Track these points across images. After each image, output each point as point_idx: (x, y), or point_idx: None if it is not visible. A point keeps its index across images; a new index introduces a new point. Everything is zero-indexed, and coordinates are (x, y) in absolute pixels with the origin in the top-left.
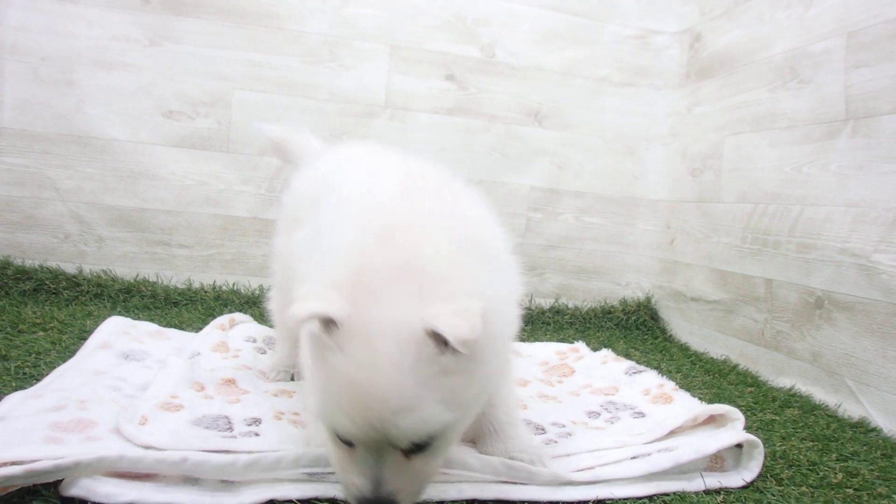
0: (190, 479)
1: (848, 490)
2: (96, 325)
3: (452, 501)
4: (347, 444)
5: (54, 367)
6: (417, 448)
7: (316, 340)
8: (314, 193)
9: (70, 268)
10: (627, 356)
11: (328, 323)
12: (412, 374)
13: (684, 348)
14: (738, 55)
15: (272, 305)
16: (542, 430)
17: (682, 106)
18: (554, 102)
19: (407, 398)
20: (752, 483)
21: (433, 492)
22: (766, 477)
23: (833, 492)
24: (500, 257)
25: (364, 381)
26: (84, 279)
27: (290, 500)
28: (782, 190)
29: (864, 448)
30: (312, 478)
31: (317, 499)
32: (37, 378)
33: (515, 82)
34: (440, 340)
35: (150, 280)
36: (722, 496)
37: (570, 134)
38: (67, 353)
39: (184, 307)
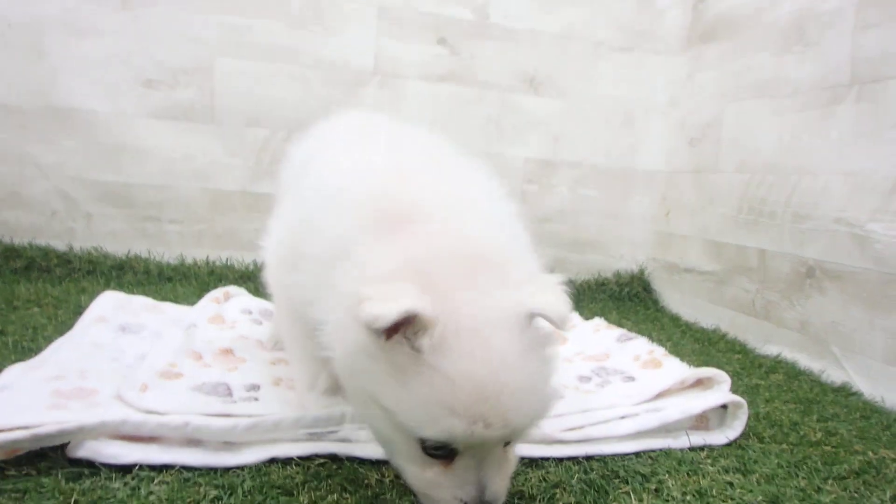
0: (193, 441)
1: (826, 447)
2: (90, 300)
3: None
4: (444, 456)
5: (52, 341)
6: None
7: (380, 349)
8: (301, 162)
9: (60, 245)
10: (619, 326)
11: (402, 324)
12: (529, 361)
13: (675, 319)
14: (743, 17)
15: (268, 275)
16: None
17: (682, 73)
18: (550, 69)
19: (532, 386)
20: (735, 441)
21: None
22: (749, 436)
23: (812, 449)
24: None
25: (491, 378)
26: (75, 256)
27: (291, 458)
28: (781, 159)
29: (845, 410)
30: (312, 437)
31: (317, 455)
32: (35, 351)
33: (510, 46)
34: (535, 322)
35: (142, 256)
36: (706, 453)
37: (566, 103)
38: (64, 327)
39: (177, 283)
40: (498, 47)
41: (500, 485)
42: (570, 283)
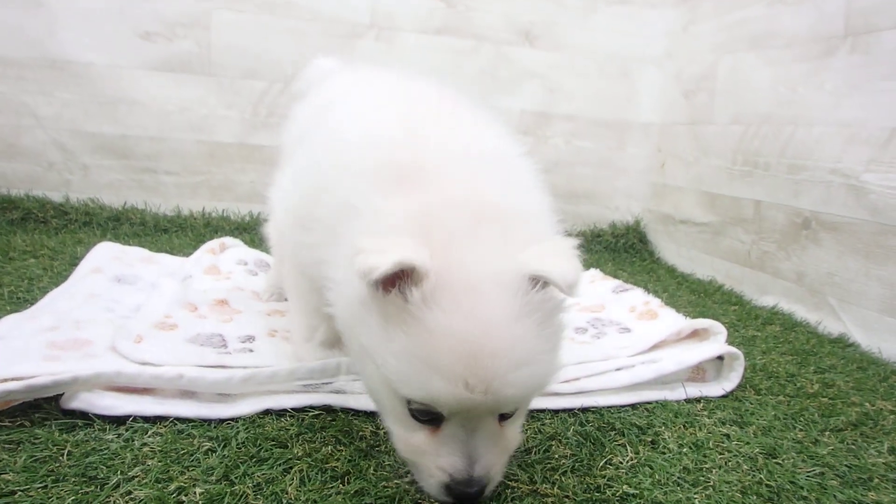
0: (187, 392)
1: (823, 399)
2: (86, 251)
3: None
4: (430, 421)
5: (47, 292)
6: (509, 414)
7: (376, 302)
8: (306, 124)
9: (56, 196)
10: (615, 277)
11: (400, 278)
12: (524, 324)
13: (671, 270)
14: None
15: (270, 229)
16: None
17: (677, 25)
18: (546, 22)
19: (523, 351)
20: (731, 392)
21: None
22: (746, 387)
23: (809, 401)
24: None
25: (476, 337)
26: (71, 207)
27: (286, 410)
28: (775, 110)
29: (842, 361)
30: (307, 388)
31: (311, 406)
32: (31, 302)
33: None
34: (539, 285)
35: (139, 208)
36: (702, 404)
37: (562, 55)
38: (59, 278)
39: (174, 234)
40: (494, 0)
41: (491, 460)
42: (567, 234)
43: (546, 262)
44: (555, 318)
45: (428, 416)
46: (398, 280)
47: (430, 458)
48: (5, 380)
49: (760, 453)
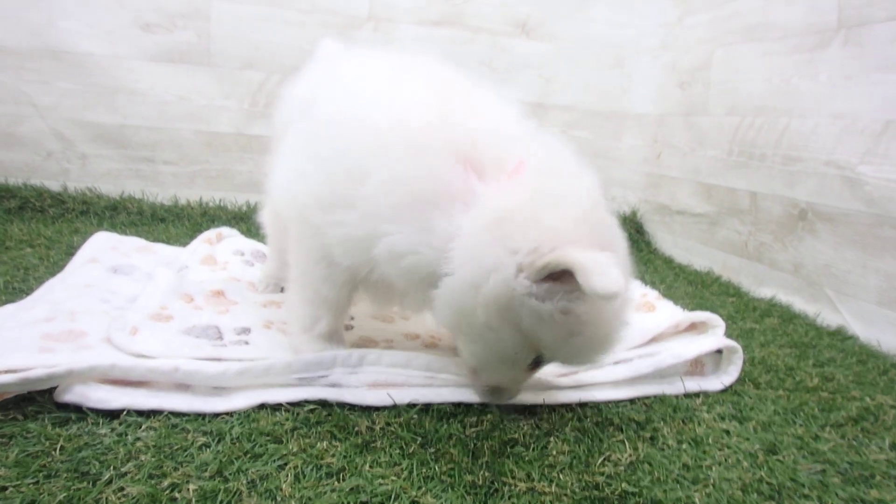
0: (181, 385)
1: (823, 393)
2: (83, 241)
3: (440, 404)
4: (531, 367)
5: (43, 282)
6: None
7: (528, 295)
8: (306, 97)
9: (54, 185)
10: None
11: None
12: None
13: (668, 261)
14: None
15: (265, 219)
16: None
17: (672, 16)
18: (542, 14)
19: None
20: (730, 386)
21: (420, 396)
22: (745, 381)
23: (808, 395)
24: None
25: (611, 332)
26: (69, 196)
27: (281, 404)
28: (770, 102)
29: (841, 354)
30: (302, 382)
31: (306, 401)
32: (26, 292)
33: None
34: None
35: (136, 197)
36: (701, 399)
37: (557, 46)
38: (56, 268)
39: (171, 223)
40: None
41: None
42: None
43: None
44: None
45: (536, 365)
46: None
47: (516, 384)
48: None
49: (761, 449)
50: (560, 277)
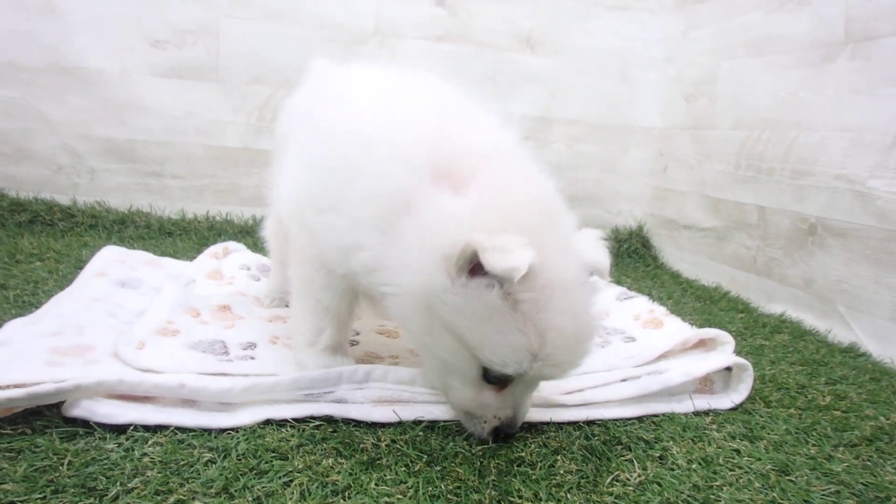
0: (188, 401)
1: (836, 412)
2: (92, 254)
3: (446, 421)
4: (496, 383)
5: (52, 296)
6: None
7: (462, 287)
8: (305, 110)
9: (64, 199)
10: (619, 283)
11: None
12: (591, 311)
13: (675, 275)
14: None
15: (268, 233)
16: None
17: (676, 30)
18: (546, 29)
19: (594, 333)
20: (740, 405)
21: (426, 413)
22: (755, 399)
23: (821, 414)
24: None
25: (574, 332)
26: (78, 210)
27: (286, 420)
28: (777, 115)
29: (853, 372)
30: (308, 398)
31: (312, 417)
32: (35, 306)
33: (507, 6)
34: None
35: (144, 211)
36: (711, 417)
37: (562, 60)
38: (65, 281)
39: (178, 237)
40: (495, 6)
41: (527, 408)
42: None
43: (593, 256)
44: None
45: (499, 380)
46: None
47: (491, 410)
48: (7, 386)
49: (772, 470)
50: (480, 270)
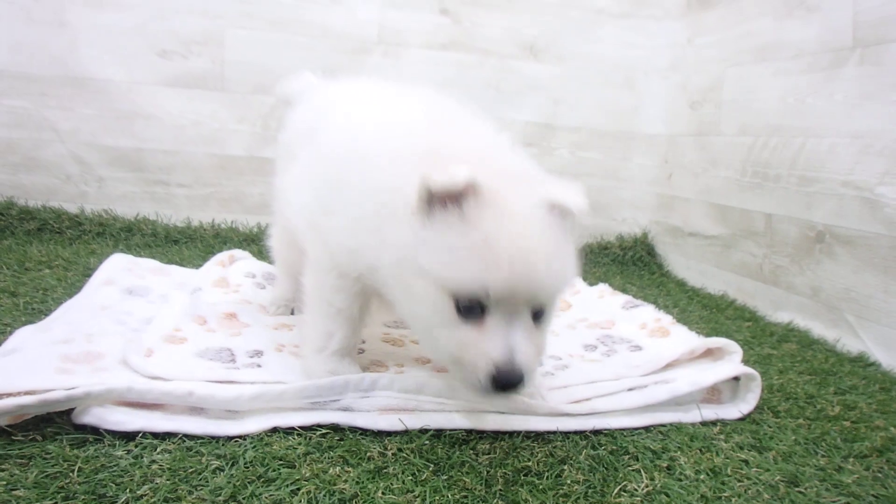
0: (196, 409)
1: (845, 423)
2: (99, 262)
3: (452, 430)
4: (475, 317)
5: (61, 303)
6: (539, 313)
7: (429, 221)
8: (310, 126)
9: (72, 208)
10: (624, 292)
11: (453, 199)
12: (551, 233)
13: (681, 284)
14: None
15: (273, 242)
16: (539, 362)
17: (682, 37)
18: (550, 35)
19: (556, 253)
20: (748, 415)
21: (432, 422)
22: (763, 409)
23: (830, 424)
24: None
25: (522, 237)
26: (86, 218)
27: (293, 428)
28: (784, 121)
29: (863, 382)
30: (314, 406)
31: (318, 425)
32: (45, 313)
33: (511, 14)
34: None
35: (151, 219)
36: (718, 427)
37: (566, 67)
38: (73, 289)
39: (184, 245)
40: (499, 15)
41: (529, 353)
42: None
43: (562, 194)
44: (569, 240)
45: (473, 312)
46: (452, 200)
47: (476, 349)
48: (18, 393)
49: (782, 481)
50: (437, 204)
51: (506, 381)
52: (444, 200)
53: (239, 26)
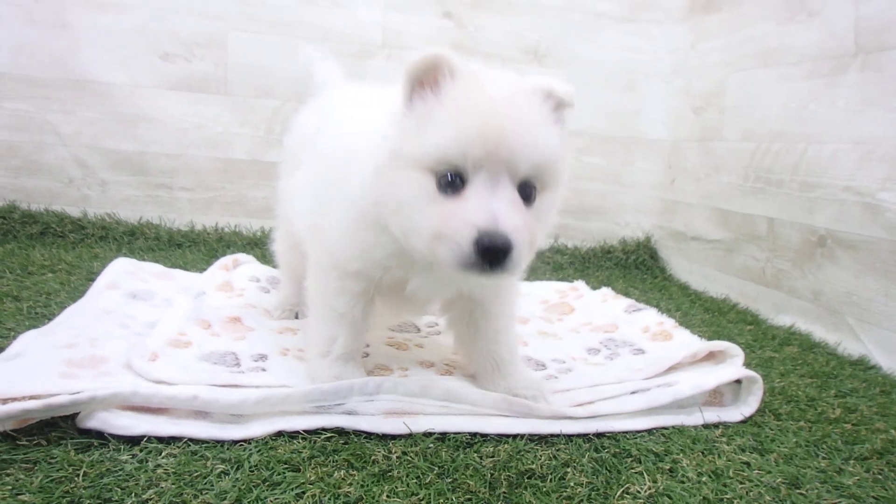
0: (201, 413)
1: (846, 425)
2: (103, 266)
3: (455, 433)
4: (455, 190)
5: (64, 307)
6: (527, 191)
7: (408, 108)
8: (313, 130)
9: (75, 211)
10: (627, 295)
11: (428, 83)
12: (536, 108)
13: (684, 287)
14: None
15: (277, 246)
16: (543, 365)
17: (685, 42)
18: (553, 40)
19: (535, 120)
20: (750, 417)
21: (436, 425)
22: (765, 412)
23: (831, 426)
24: None
25: (496, 103)
26: (89, 222)
27: (298, 432)
28: (787, 127)
29: (864, 385)
30: (319, 409)
31: (323, 429)
32: (48, 317)
33: (514, 18)
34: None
35: (154, 223)
36: (720, 430)
37: (569, 71)
38: (76, 293)
39: (187, 249)
40: (502, 19)
41: (515, 222)
42: (576, 250)
43: (549, 80)
44: (556, 124)
45: (454, 186)
46: (430, 85)
47: (458, 217)
48: (23, 398)
49: (783, 483)
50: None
51: (491, 245)
52: (423, 86)
53: (241, 29)
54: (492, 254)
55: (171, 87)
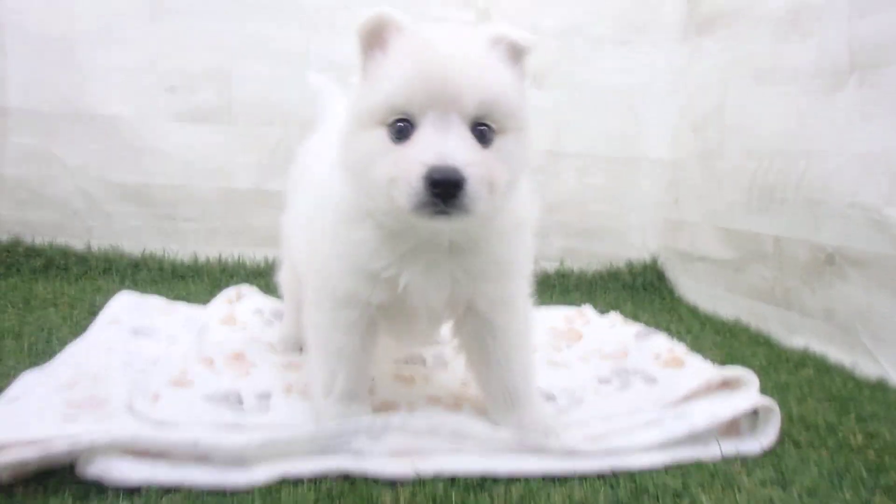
0: (202, 457)
1: (869, 452)
2: (106, 300)
3: (466, 476)
4: (406, 134)
5: (66, 344)
6: (483, 132)
7: (361, 81)
8: (312, 160)
9: (79, 244)
10: (635, 318)
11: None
12: (489, 52)
13: (693, 309)
14: (737, 8)
15: (281, 277)
16: (552, 397)
17: (682, 62)
18: (551, 64)
19: (485, 61)
20: (769, 448)
21: (445, 465)
22: (784, 441)
23: (854, 455)
24: None
25: (442, 44)
26: (92, 255)
27: (302, 478)
28: (787, 144)
29: (884, 408)
30: (325, 449)
31: (327, 476)
32: (49, 355)
33: None
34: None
35: (157, 255)
36: (739, 462)
37: (568, 95)
38: (78, 328)
39: (190, 280)
40: None
41: (468, 157)
42: (582, 273)
43: (507, 28)
44: (511, 66)
45: (405, 133)
46: (379, 46)
47: (408, 158)
48: (21, 444)
49: None
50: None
51: (442, 178)
52: (373, 48)
53: (245, 60)
54: (443, 187)
55: (176, 119)
